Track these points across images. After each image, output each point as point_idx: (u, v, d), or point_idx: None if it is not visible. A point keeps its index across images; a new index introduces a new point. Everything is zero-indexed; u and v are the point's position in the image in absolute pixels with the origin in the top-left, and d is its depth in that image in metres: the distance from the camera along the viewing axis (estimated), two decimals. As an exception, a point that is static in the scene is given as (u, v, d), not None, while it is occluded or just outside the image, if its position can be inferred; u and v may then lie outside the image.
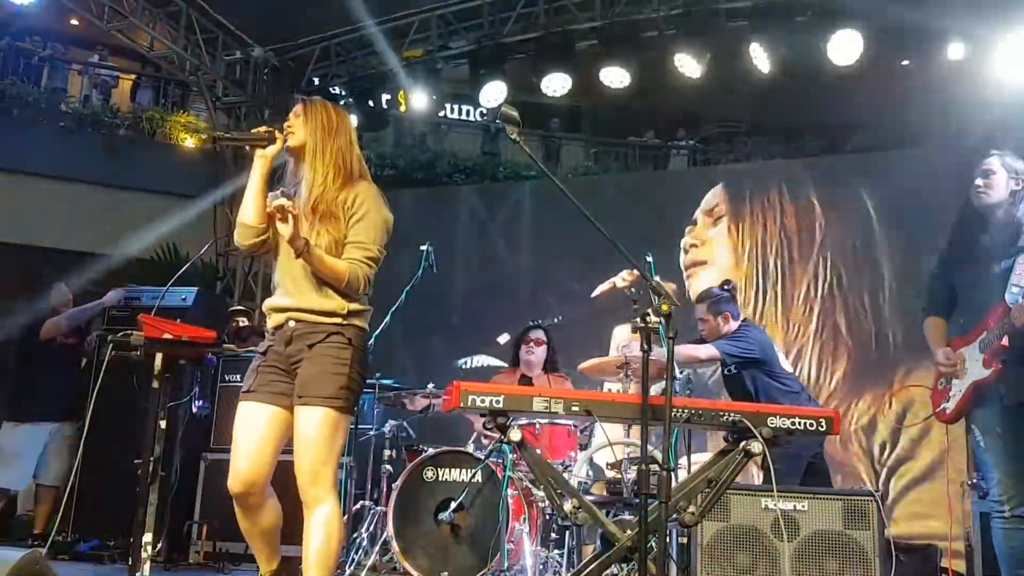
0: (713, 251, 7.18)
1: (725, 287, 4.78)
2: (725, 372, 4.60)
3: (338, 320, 2.77)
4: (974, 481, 4.12)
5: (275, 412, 2.78)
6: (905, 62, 6.29)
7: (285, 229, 2.67)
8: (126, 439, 4.75)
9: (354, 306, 2.80)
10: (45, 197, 9.17)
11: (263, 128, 2.93)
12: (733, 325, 4.68)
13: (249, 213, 2.86)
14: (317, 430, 2.69)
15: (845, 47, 6.20)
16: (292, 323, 2.79)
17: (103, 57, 12.11)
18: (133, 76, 12.38)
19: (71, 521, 5.52)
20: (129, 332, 3.57)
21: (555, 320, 6.21)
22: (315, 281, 2.77)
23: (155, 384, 3.53)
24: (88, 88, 11.59)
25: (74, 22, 10.85)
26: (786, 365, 4.81)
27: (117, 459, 4.99)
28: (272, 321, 2.86)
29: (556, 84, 7.09)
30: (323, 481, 2.71)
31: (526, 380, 5.35)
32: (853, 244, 6.81)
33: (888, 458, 6.32)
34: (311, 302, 2.78)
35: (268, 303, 2.90)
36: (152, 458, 3.50)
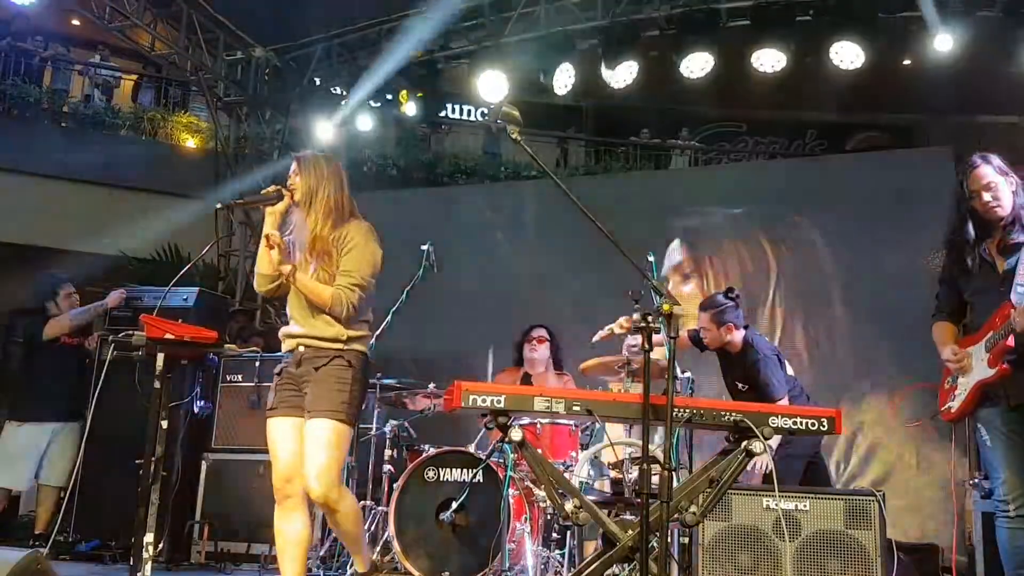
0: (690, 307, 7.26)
1: (729, 295, 4.76)
2: (740, 388, 4.62)
3: (339, 345, 3.23)
4: (976, 481, 4.12)
5: (296, 422, 3.24)
6: (907, 62, 6.28)
7: (274, 256, 3.22)
8: (128, 439, 4.75)
9: (353, 332, 3.26)
10: (46, 197, 9.18)
11: (272, 188, 3.36)
12: (737, 336, 4.67)
13: (262, 266, 3.34)
14: (323, 438, 3.12)
15: (848, 47, 6.20)
16: (301, 348, 3.27)
17: (104, 58, 12.11)
18: (134, 76, 12.39)
19: (72, 521, 5.52)
20: (131, 332, 3.58)
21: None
22: (319, 314, 3.23)
23: (157, 384, 3.54)
24: (89, 88, 11.60)
25: (75, 22, 10.85)
26: (788, 369, 4.81)
27: (118, 459, 5.00)
28: (286, 346, 3.36)
29: (559, 83, 7.09)
30: (333, 482, 3.13)
31: (528, 379, 5.35)
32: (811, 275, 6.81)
33: (843, 475, 6.40)
34: (316, 330, 3.26)
35: (283, 331, 3.39)
36: (154, 458, 3.51)
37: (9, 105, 10.14)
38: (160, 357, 3.55)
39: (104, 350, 5.42)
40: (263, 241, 3.31)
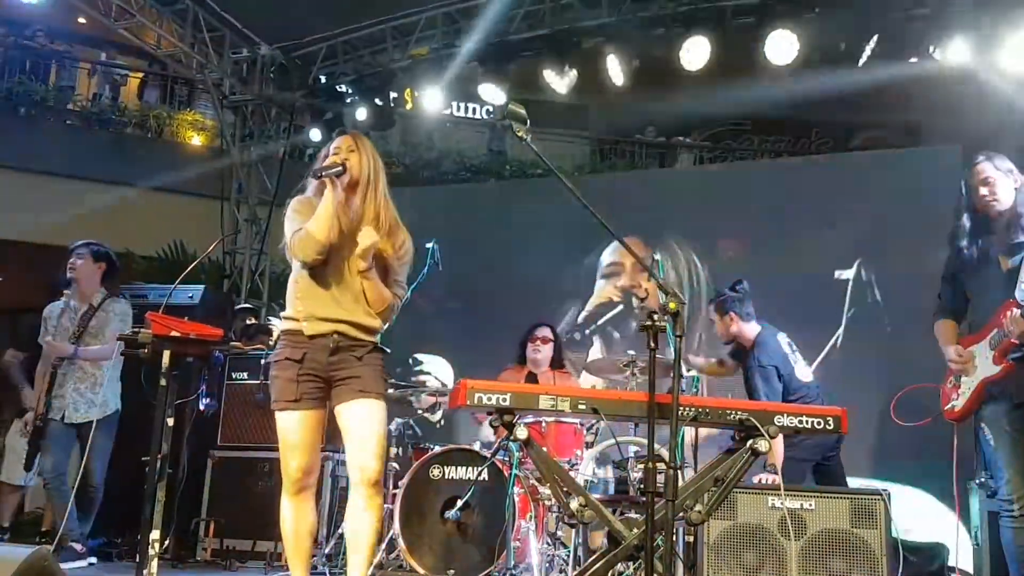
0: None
1: (737, 287, 4.76)
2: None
3: (375, 340, 3.18)
4: (981, 480, 4.11)
5: (317, 415, 3.15)
6: (913, 59, 6.25)
7: (364, 241, 3.03)
8: (134, 436, 4.76)
9: (383, 327, 3.21)
10: (53, 195, 9.20)
11: (335, 159, 3.17)
12: (746, 329, 4.66)
13: (323, 231, 3.08)
14: (380, 423, 3.09)
15: (856, 45, 6.18)
16: (337, 335, 3.09)
17: (110, 55, 12.14)
18: (140, 74, 12.41)
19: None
20: (137, 330, 3.58)
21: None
22: (362, 302, 3.12)
23: (162, 381, 3.55)
24: (96, 86, 11.63)
25: (81, 20, 10.85)
26: (804, 373, 4.77)
27: (124, 456, 5.01)
28: (312, 328, 3.11)
29: (560, 81, 7.07)
30: (382, 467, 3.11)
31: (532, 377, 5.35)
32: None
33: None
34: (357, 317, 3.12)
35: (310, 310, 3.12)
36: (159, 455, 3.51)
37: (15, 103, 10.16)
38: (166, 355, 3.56)
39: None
40: (330, 210, 3.07)
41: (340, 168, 3.13)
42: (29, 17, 10.28)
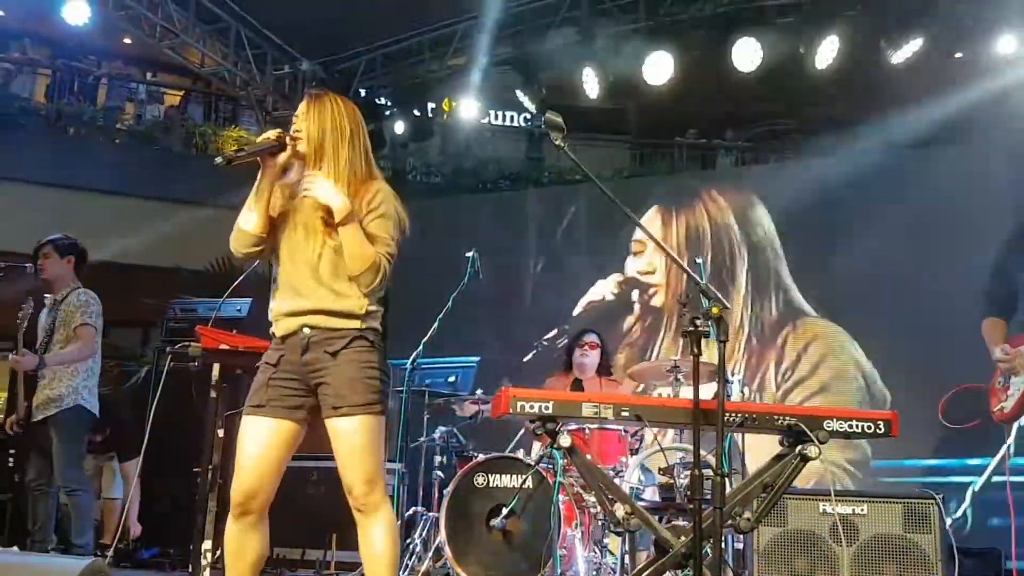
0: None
1: None
2: None
3: (356, 324, 2.68)
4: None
5: (286, 426, 2.70)
6: (959, 55, 6.14)
7: (314, 186, 2.64)
8: (185, 448, 4.86)
9: (370, 306, 2.71)
10: (101, 213, 9.41)
11: (272, 133, 2.74)
12: None
13: (252, 221, 2.75)
14: (364, 439, 2.63)
15: (899, 43, 6.09)
16: (307, 329, 2.68)
17: (155, 75, 12.41)
18: (183, 92, 12.67)
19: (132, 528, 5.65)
20: (187, 344, 3.65)
21: None
22: (327, 281, 2.68)
23: (212, 394, 3.61)
24: (142, 107, 11.89)
25: (127, 41, 11.12)
26: None
27: (177, 468, 5.11)
28: (282, 328, 2.74)
29: (596, 86, 7.07)
30: (380, 487, 2.67)
31: (578, 384, 5.34)
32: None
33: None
34: (326, 302, 2.67)
35: (277, 308, 2.76)
36: (211, 466, 3.57)
37: (64, 123, 10.43)
38: (215, 367, 3.62)
39: (161, 361, 5.54)
40: (258, 196, 2.74)
41: (274, 144, 2.71)
42: (76, 39, 10.54)
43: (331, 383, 2.64)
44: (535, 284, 7.79)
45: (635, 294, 7.34)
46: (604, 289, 7.43)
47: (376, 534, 2.65)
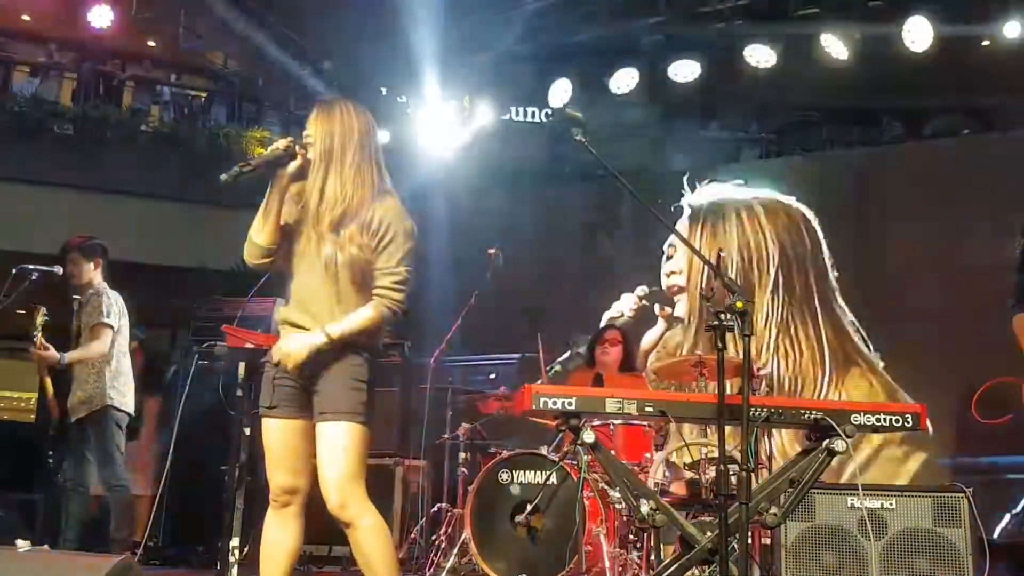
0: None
1: None
2: None
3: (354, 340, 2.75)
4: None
5: (300, 424, 2.80)
6: (986, 43, 6.04)
7: (293, 354, 2.71)
8: (212, 446, 4.90)
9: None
10: (128, 215, 9.51)
11: (283, 143, 2.80)
12: None
13: (261, 234, 2.81)
14: (343, 442, 2.70)
15: (918, 31, 6.01)
16: None
17: (180, 77, 12.51)
18: (206, 93, 12.76)
19: (161, 526, 5.70)
20: (214, 343, 3.68)
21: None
22: (331, 302, 2.75)
23: (239, 392, 3.64)
24: (167, 109, 12.00)
25: (151, 43, 11.22)
26: None
27: (205, 466, 5.15)
28: (286, 335, 2.82)
29: (623, 81, 7.03)
30: (357, 495, 2.72)
31: (601, 380, 5.33)
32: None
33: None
34: (327, 324, 2.73)
35: (283, 317, 2.85)
36: (238, 464, 3.60)
37: (90, 126, 10.54)
38: (242, 366, 3.66)
39: (189, 361, 5.59)
40: (269, 208, 2.78)
41: (283, 154, 2.76)
42: (101, 42, 10.64)
43: (321, 391, 2.74)
44: (558, 279, 7.76)
45: (656, 308, 7.18)
46: (623, 306, 7.34)
47: (359, 537, 2.70)
